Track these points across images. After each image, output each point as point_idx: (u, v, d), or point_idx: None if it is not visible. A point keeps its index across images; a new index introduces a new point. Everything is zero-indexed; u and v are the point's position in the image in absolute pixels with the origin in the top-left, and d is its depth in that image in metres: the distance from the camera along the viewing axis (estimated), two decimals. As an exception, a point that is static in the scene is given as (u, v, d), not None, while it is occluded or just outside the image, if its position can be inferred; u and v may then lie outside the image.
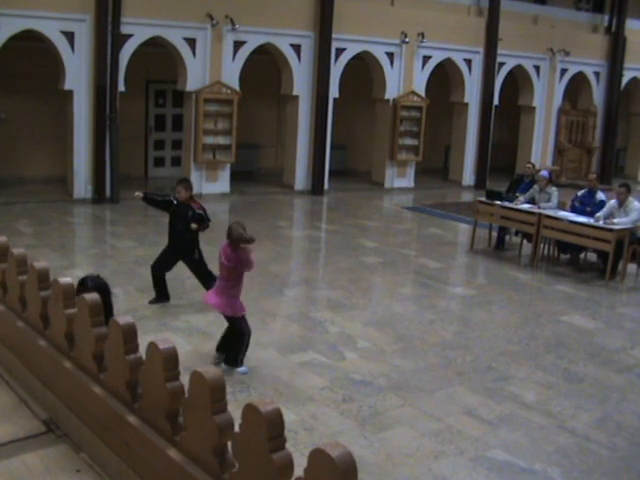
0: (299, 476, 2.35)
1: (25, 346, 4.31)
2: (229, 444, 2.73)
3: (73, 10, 14.62)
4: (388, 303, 9.77)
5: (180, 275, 9.57)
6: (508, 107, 21.71)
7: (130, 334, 3.34)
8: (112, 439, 3.36)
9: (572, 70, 22.38)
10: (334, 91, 17.99)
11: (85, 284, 4.80)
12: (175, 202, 9.05)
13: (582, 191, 12.46)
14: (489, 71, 20.25)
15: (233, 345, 7.15)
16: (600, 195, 12.06)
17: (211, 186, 17.02)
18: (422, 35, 18.82)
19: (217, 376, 2.79)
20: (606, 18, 23.15)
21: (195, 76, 16.27)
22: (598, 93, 23.14)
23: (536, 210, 11.93)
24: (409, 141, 19.62)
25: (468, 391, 6.99)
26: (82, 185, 15.52)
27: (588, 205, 11.87)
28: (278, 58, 17.66)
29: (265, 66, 18.25)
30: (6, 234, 5.90)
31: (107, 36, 14.88)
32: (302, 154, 18.15)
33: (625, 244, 11.03)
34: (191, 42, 16.08)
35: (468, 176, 20.96)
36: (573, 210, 12.08)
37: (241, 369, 7.11)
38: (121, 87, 15.29)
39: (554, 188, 12.50)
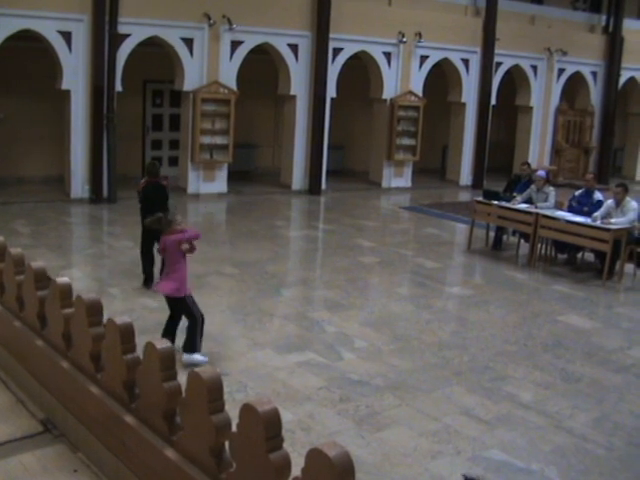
0: (297, 476, 2.35)
1: (22, 346, 4.31)
2: (226, 444, 2.73)
3: (70, 10, 14.61)
4: (385, 303, 9.78)
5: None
6: (505, 107, 21.73)
7: (127, 334, 3.35)
8: (109, 439, 3.37)
9: (569, 70, 22.41)
10: (331, 91, 17.99)
11: None
12: None
13: (579, 191, 12.47)
14: (486, 71, 20.27)
15: (187, 330, 7.24)
16: (597, 195, 12.07)
17: (208, 186, 17.02)
18: (419, 35, 18.83)
19: (214, 376, 2.79)
20: (603, 18, 23.18)
21: (192, 76, 16.27)
22: (595, 93, 23.17)
23: (533, 210, 11.95)
24: (406, 141, 19.63)
25: (465, 391, 6.99)
26: (79, 185, 15.51)
27: (585, 205, 11.88)
28: (275, 58, 17.66)
29: (262, 66, 18.24)
30: (3, 234, 5.90)
31: (104, 36, 14.87)
32: (299, 154, 18.15)
33: (622, 244, 11.04)
34: (188, 42, 16.08)
35: (465, 176, 20.97)
36: (570, 210, 12.08)
37: (200, 358, 7.12)
38: (118, 87, 15.28)
39: (551, 188, 12.51)
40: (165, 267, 7.61)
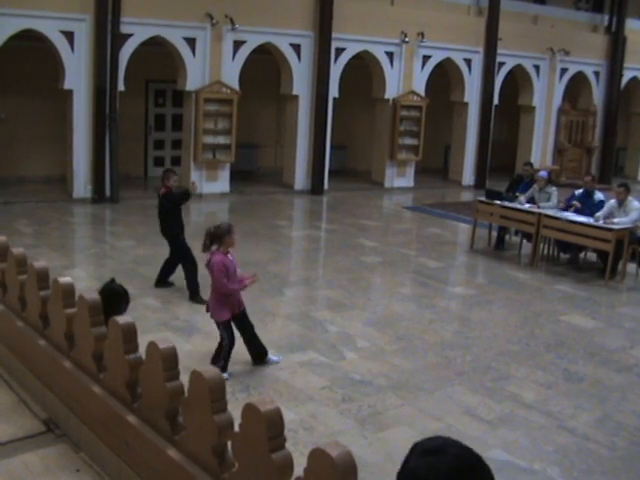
0: (299, 476, 2.35)
1: (25, 346, 4.31)
2: (229, 444, 2.73)
3: (73, 10, 14.61)
4: (388, 303, 9.77)
5: (181, 275, 9.57)
6: (508, 107, 21.70)
7: (130, 334, 3.34)
8: (112, 439, 3.36)
9: (572, 70, 22.37)
10: (334, 91, 17.98)
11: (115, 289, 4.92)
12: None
13: (579, 191, 12.45)
14: (489, 71, 20.24)
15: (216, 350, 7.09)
16: (598, 195, 12.07)
17: (211, 186, 17.01)
18: (422, 35, 18.81)
19: (216, 376, 2.79)
20: (606, 18, 23.15)
21: (195, 76, 16.27)
22: (598, 93, 23.13)
23: (536, 210, 11.94)
24: (409, 141, 19.62)
25: (468, 391, 6.99)
26: (82, 185, 15.51)
27: (587, 206, 11.84)
28: (278, 58, 17.66)
29: (265, 66, 18.24)
30: (6, 234, 5.90)
31: (107, 36, 14.87)
32: (302, 154, 18.14)
33: (625, 244, 11.03)
34: (191, 42, 16.07)
35: (468, 176, 20.95)
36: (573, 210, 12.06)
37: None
38: (121, 87, 15.28)
39: (554, 188, 12.51)
40: (212, 285, 7.13)
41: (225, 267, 6.83)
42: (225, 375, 6.97)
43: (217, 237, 6.85)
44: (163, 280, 9.69)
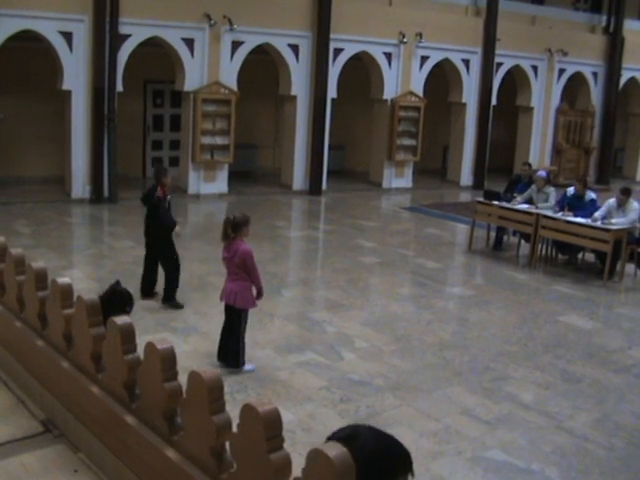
0: (297, 476, 2.35)
1: (23, 346, 4.31)
2: (227, 444, 2.73)
3: (71, 10, 14.61)
4: (386, 303, 9.77)
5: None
6: (506, 107, 21.71)
7: (128, 334, 3.35)
8: (110, 439, 3.37)
9: (570, 70, 22.40)
10: (332, 91, 17.99)
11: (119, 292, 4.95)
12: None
13: (570, 190, 12.42)
14: (487, 71, 20.26)
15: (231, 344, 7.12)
16: (590, 194, 12.08)
17: (209, 186, 17.01)
18: (420, 35, 18.82)
19: (215, 376, 2.79)
20: (604, 18, 23.17)
21: (193, 76, 16.26)
22: (596, 93, 23.16)
23: (534, 210, 11.94)
24: (407, 141, 19.62)
25: (466, 391, 6.99)
26: (80, 185, 15.51)
27: (578, 207, 11.81)
28: (276, 58, 17.66)
29: (263, 66, 18.24)
30: (4, 234, 5.90)
31: (105, 36, 14.87)
32: (300, 154, 18.14)
33: (623, 244, 11.04)
34: (189, 42, 16.07)
35: (466, 176, 20.95)
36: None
37: (249, 367, 7.10)
38: (119, 87, 15.28)
39: (552, 188, 12.53)
40: (232, 274, 7.01)
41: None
42: (252, 367, 7.03)
43: (237, 226, 6.88)
44: (151, 289, 9.27)
